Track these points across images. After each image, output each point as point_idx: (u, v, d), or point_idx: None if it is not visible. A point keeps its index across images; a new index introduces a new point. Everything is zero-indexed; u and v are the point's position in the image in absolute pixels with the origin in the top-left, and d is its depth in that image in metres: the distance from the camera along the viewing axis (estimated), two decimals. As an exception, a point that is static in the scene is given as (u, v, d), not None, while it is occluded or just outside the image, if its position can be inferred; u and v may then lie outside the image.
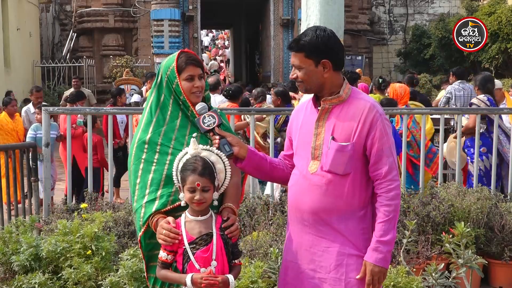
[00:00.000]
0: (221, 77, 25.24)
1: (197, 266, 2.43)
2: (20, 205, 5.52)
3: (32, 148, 5.43)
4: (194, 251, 2.44)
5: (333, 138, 2.54)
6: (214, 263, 2.43)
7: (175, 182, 2.55)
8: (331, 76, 2.58)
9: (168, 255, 2.48)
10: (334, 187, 2.54)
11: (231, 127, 2.96)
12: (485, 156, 6.20)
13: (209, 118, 2.58)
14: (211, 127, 2.57)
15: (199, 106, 2.63)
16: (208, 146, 2.58)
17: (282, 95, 7.28)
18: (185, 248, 2.45)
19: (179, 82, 2.64)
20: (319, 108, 2.61)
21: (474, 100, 6.67)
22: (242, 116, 6.78)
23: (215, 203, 2.56)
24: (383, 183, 2.52)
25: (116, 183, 8.64)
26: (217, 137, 2.57)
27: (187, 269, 2.45)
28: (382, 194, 2.53)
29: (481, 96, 6.55)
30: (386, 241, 2.49)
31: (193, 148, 2.55)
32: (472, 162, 6.16)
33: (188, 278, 2.40)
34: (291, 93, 8.38)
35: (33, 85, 18.04)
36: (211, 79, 8.95)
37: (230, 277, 2.44)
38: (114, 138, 8.58)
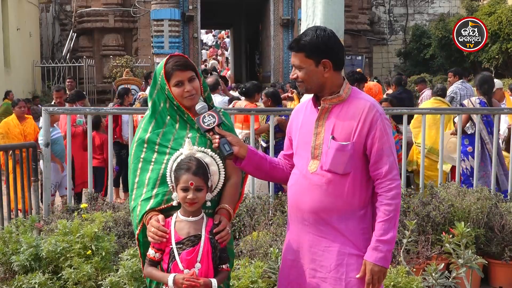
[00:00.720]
0: (225, 74, 25.33)
1: (180, 266, 2.43)
2: (20, 205, 5.52)
3: (32, 148, 5.43)
4: (180, 252, 2.44)
5: (333, 138, 2.54)
6: (198, 265, 2.43)
7: (168, 182, 2.55)
8: (332, 76, 2.58)
9: (156, 253, 2.49)
10: (334, 187, 2.54)
11: (233, 127, 2.96)
12: (471, 156, 6.26)
13: (209, 117, 2.58)
14: (211, 127, 2.57)
15: (199, 105, 2.63)
16: (203, 148, 2.59)
17: (272, 96, 7.28)
18: (171, 248, 2.45)
19: (169, 89, 2.65)
20: (319, 107, 2.61)
21: (464, 102, 6.79)
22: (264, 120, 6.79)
23: (208, 203, 2.56)
24: (384, 182, 2.53)
25: (116, 183, 8.65)
26: (217, 136, 2.57)
27: (171, 268, 2.45)
28: (382, 193, 2.53)
29: (474, 99, 6.64)
30: (386, 241, 2.49)
31: (187, 149, 2.55)
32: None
33: (170, 278, 2.40)
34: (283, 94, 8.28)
35: (33, 85, 18.11)
36: (210, 80, 8.95)
37: (214, 281, 2.42)
38: (116, 137, 8.64)
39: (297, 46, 2.58)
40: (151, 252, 2.50)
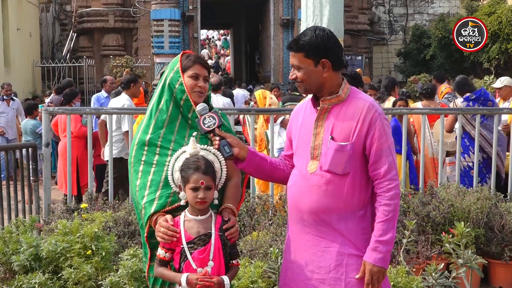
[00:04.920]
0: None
1: (194, 266, 2.43)
2: (20, 205, 5.52)
3: (32, 148, 5.43)
4: (192, 251, 2.45)
5: (332, 138, 2.54)
6: (211, 263, 2.44)
7: (169, 180, 2.56)
8: (331, 75, 2.58)
9: (166, 253, 2.49)
10: (334, 187, 2.54)
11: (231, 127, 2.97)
12: (466, 155, 6.32)
13: (210, 119, 2.58)
14: (211, 128, 2.57)
15: (200, 106, 2.64)
16: (206, 146, 2.60)
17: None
18: (182, 247, 2.46)
19: (183, 80, 2.65)
20: (318, 108, 2.61)
21: (450, 105, 6.90)
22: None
23: (215, 202, 2.57)
24: (382, 182, 2.52)
25: None
26: (217, 138, 2.57)
27: (183, 268, 2.45)
28: (381, 193, 2.52)
29: (458, 100, 6.77)
30: (385, 241, 2.49)
31: (192, 147, 2.56)
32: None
33: (183, 278, 2.41)
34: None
35: (33, 85, 18.09)
36: (214, 79, 8.97)
37: (226, 278, 2.44)
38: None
39: (296, 46, 2.58)
40: (161, 252, 2.50)
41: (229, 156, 2.57)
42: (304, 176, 2.61)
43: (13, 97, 10.88)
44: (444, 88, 9.83)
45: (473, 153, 5.97)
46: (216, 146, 2.57)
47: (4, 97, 10.52)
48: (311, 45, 2.55)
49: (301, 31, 3.65)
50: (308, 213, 2.58)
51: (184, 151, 2.57)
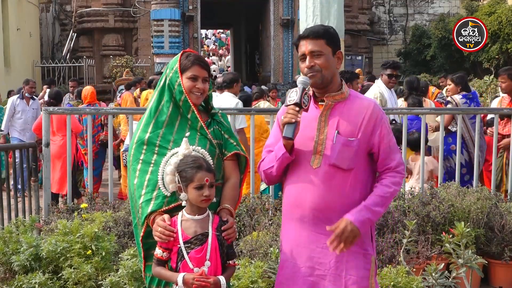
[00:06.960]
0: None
1: (190, 265, 2.44)
2: (20, 205, 5.52)
3: (32, 148, 5.43)
4: (189, 251, 2.45)
5: (338, 133, 2.56)
6: (207, 263, 2.44)
7: (160, 184, 2.55)
8: (337, 71, 2.65)
9: (163, 252, 2.49)
10: (336, 183, 2.55)
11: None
12: (454, 154, 6.33)
13: (293, 94, 2.51)
14: (291, 103, 2.50)
15: (302, 78, 2.54)
16: (195, 147, 2.60)
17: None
18: (179, 247, 2.46)
19: (181, 81, 2.64)
20: (319, 104, 2.63)
21: (449, 99, 6.87)
22: None
23: (214, 199, 2.57)
24: (391, 171, 2.59)
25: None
26: (291, 112, 2.49)
27: (180, 267, 2.46)
28: (386, 177, 2.58)
29: (456, 96, 6.75)
30: (373, 210, 2.51)
31: (185, 148, 2.55)
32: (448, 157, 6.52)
33: (179, 277, 2.41)
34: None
35: (33, 85, 18.11)
36: (218, 80, 8.98)
37: (222, 278, 2.44)
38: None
39: (317, 33, 2.59)
40: (158, 251, 2.50)
41: (288, 139, 2.49)
42: (307, 171, 2.60)
43: (34, 96, 10.06)
44: (434, 89, 9.82)
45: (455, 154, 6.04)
46: (286, 120, 2.46)
47: (25, 95, 9.70)
48: (331, 34, 2.61)
49: (300, 31, 3.64)
50: (309, 208, 2.57)
51: (175, 153, 2.56)
